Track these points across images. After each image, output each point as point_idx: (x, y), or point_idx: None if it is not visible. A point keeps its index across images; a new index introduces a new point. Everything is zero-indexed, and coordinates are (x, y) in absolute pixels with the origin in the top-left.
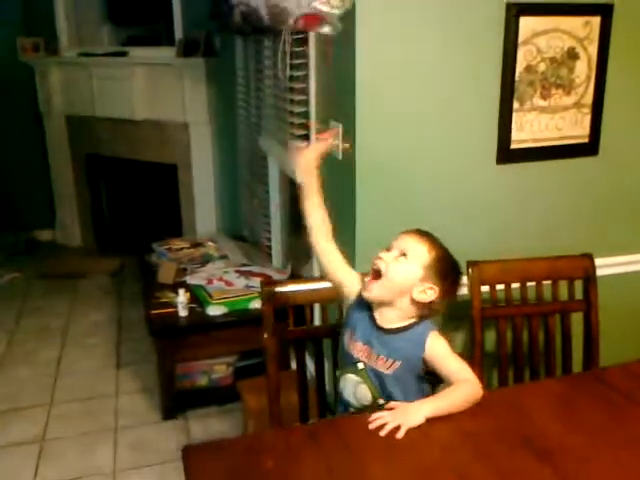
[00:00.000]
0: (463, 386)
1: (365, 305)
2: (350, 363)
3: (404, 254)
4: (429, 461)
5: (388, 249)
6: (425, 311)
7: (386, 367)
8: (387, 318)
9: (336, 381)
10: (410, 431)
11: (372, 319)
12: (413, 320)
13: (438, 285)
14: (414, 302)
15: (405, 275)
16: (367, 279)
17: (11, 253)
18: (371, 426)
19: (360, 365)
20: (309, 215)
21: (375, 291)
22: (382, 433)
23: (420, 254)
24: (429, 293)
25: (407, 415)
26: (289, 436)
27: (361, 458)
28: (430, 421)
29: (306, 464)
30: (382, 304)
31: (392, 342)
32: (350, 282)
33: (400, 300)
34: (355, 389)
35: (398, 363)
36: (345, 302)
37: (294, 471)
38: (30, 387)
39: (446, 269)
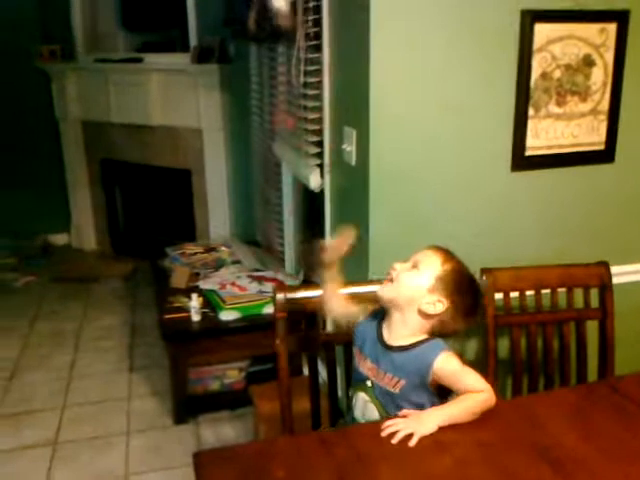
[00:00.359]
0: (476, 395)
1: (374, 322)
2: (360, 380)
3: (416, 266)
4: (442, 470)
5: (405, 261)
6: (436, 327)
7: (392, 385)
8: (395, 335)
9: (349, 398)
10: (423, 439)
11: (380, 336)
12: (422, 337)
13: (448, 298)
14: (422, 314)
15: (414, 283)
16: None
17: (26, 257)
18: (383, 433)
19: (368, 383)
20: (328, 299)
21: (386, 291)
22: (394, 440)
23: (432, 265)
24: (437, 306)
25: (420, 423)
26: (300, 443)
27: (373, 466)
28: (443, 430)
29: (317, 472)
30: (391, 317)
31: (398, 360)
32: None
33: (409, 311)
34: (364, 408)
35: (403, 382)
36: (357, 321)
37: (305, 478)
38: (43, 390)
39: (458, 283)
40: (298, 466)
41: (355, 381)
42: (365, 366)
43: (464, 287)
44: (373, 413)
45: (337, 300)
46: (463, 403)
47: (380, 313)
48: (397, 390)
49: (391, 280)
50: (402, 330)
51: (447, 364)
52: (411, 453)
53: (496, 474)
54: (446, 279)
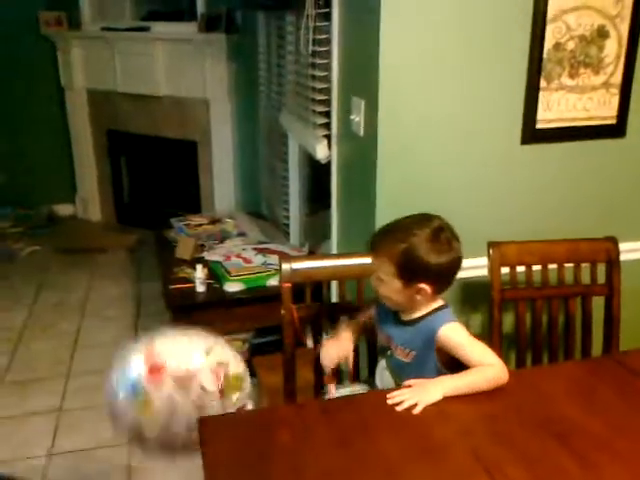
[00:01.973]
0: (486, 369)
1: None
2: (382, 351)
3: (378, 277)
4: (446, 440)
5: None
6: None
7: (404, 356)
8: (408, 312)
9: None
10: (427, 410)
11: (396, 312)
12: (432, 308)
13: (423, 279)
14: (421, 299)
15: (393, 292)
16: None
17: (31, 227)
18: (390, 402)
19: (388, 352)
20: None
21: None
22: (399, 408)
23: (386, 269)
24: (423, 290)
25: (425, 392)
26: (304, 411)
27: (376, 434)
28: (448, 401)
29: (321, 438)
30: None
31: (408, 332)
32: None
33: (412, 303)
34: (382, 375)
35: (414, 353)
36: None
37: (309, 445)
38: (48, 359)
39: (417, 263)
40: (302, 432)
41: (379, 349)
42: (383, 338)
43: (422, 262)
44: (389, 380)
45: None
46: (471, 376)
47: None
48: (409, 360)
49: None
50: (421, 309)
51: (453, 333)
52: (415, 422)
53: (500, 445)
54: (406, 270)
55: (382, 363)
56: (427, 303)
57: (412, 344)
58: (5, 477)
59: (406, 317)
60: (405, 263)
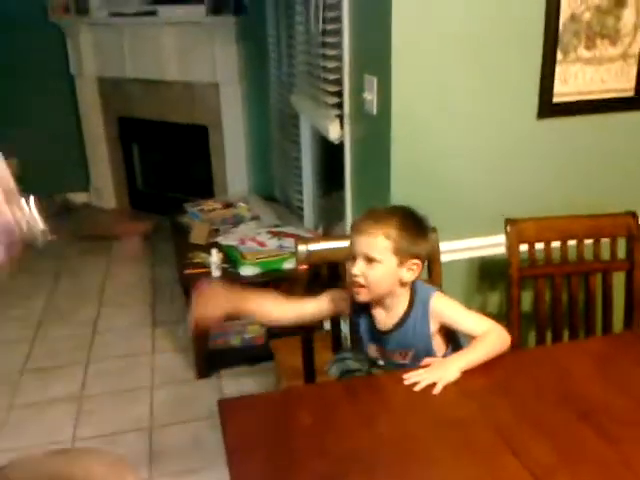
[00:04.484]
0: (490, 335)
1: (362, 312)
2: (371, 362)
3: (370, 259)
4: (467, 416)
5: (353, 258)
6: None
7: (402, 357)
8: (385, 319)
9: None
10: (448, 387)
11: (372, 325)
12: (407, 302)
13: (418, 255)
14: (406, 282)
15: (384, 275)
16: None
17: (47, 216)
18: (407, 382)
19: (381, 362)
20: (273, 320)
21: (365, 296)
22: (417, 388)
23: (382, 246)
24: (415, 268)
25: (443, 370)
26: (326, 391)
27: (398, 413)
28: (467, 379)
29: (343, 417)
30: (382, 303)
31: (398, 337)
32: (328, 305)
33: (394, 290)
34: None
35: (411, 352)
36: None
37: (331, 426)
38: (68, 345)
39: (413, 237)
40: (323, 412)
41: (370, 362)
42: (371, 350)
43: (418, 233)
44: None
45: (287, 313)
46: (481, 346)
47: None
48: (408, 360)
49: (361, 286)
50: (398, 307)
51: (444, 301)
52: (437, 400)
53: (522, 420)
54: (403, 245)
55: (376, 372)
56: (406, 288)
57: (407, 345)
58: None
59: (388, 324)
60: (400, 237)
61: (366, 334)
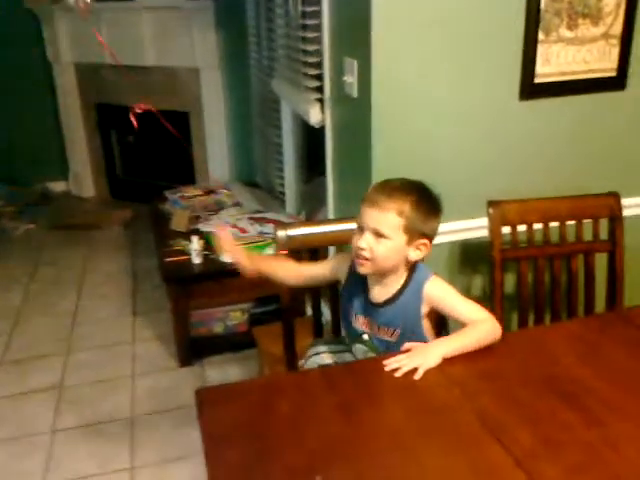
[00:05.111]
0: (480, 325)
1: (358, 282)
2: (356, 335)
3: (379, 234)
4: (449, 402)
5: (360, 229)
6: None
7: (389, 335)
8: (379, 293)
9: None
10: (429, 372)
11: (366, 295)
12: (403, 280)
13: (426, 234)
14: (411, 261)
15: (392, 250)
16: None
17: (25, 205)
18: (387, 368)
19: (365, 336)
20: (283, 278)
21: (368, 269)
22: (398, 374)
23: (393, 223)
24: (423, 248)
25: (424, 356)
26: (306, 380)
27: (379, 400)
28: (449, 364)
29: (322, 406)
30: (383, 277)
31: (389, 313)
32: (331, 270)
33: (397, 267)
34: (365, 357)
35: (399, 330)
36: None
37: (310, 413)
38: (47, 336)
39: (425, 216)
40: (302, 401)
41: (352, 336)
42: (359, 321)
43: (431, 212)
44: None
45: (291, 273)
46: (467, 334)
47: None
48: (394, 339)
49: (366, 259)
50: (394, 284)
51: (439, 286)
52: (417, 386)
53: (505, 407)
54: (414, 223)
55: (359, 347)
56: (408, 265)
57: (396, 322)
58: None
59: (380, 299)
60: (411, 217)
61: (357, 304)
